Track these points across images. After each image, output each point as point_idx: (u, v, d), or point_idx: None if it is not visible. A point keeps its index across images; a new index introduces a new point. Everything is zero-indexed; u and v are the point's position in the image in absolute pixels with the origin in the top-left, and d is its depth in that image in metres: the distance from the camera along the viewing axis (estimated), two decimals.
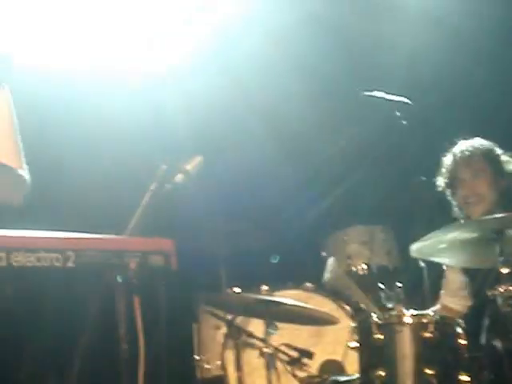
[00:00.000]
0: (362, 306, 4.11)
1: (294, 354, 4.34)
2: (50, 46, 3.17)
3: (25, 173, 3.14)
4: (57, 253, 2.54)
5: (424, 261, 4.02)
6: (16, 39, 2.96)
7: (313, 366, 4.54)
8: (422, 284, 4.11)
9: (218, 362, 4.70)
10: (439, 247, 3.56)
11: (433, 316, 3.47)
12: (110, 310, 2.70)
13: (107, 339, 2.84)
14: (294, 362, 4.32)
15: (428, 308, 4.02)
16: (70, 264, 2.56)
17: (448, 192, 4.21)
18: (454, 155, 4.17)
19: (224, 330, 4.62)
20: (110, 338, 2.77)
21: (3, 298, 2.94)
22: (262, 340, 4.17)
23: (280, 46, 4.61)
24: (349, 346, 3.67)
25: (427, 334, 3.40)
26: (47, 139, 4.01)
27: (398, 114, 3.95)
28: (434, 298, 4.24)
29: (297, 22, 4.54)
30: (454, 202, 4.19)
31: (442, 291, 4.32)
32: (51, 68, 2.83)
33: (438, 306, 4.28)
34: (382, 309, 3.68)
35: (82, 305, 2.72)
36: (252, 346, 4.49)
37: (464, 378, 3.37)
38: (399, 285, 3.63)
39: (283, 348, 4.35)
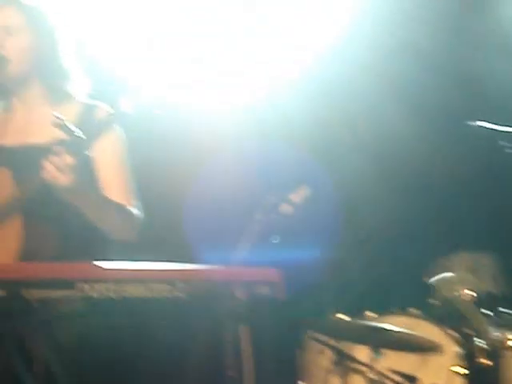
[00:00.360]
0: (469, 331, 4.04)
1: (399, 379, 4.29)
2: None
3: (136, 210, 3.22)
4: (166, 284, 2.56)
5: None
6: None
7: None
8: None
9: None
10: None
11: None
12: (217, 340, 2.72)
13: (215, 368, 2.86)
14: None
15: None
16: (179, 294, 2.58)
17: None
18: None
19: (328, 355, 4.59)
20: (217, 367, 2.78)
21: (113, 328, 3.00)
22: (367, 365, 4.13)
23: (388, 81, 4.56)
24: (454, 371, 3.61)
25: None
26: (155, 170, 4.07)
27: (503, 143, 3.88)
28: None
29: (404, 57, 4.50)
30: None
31: None
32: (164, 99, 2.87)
33: None
34: (488, 334, 3.61)
35: (190, 334, 2.74)
36: (357, 371, 4.45)
37: None
38: (506, 311, 3.56)
39: (388, 373, 4.30)
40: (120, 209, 3.14)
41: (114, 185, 3.16)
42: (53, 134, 3.01)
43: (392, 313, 4.74)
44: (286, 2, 4.48)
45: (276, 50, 4.38)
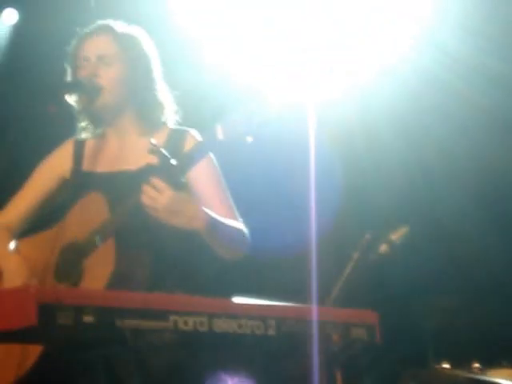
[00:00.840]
0: None
1: None
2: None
3: (242, 225, 3.21)
4: (258, 320, 2.52)
5: None
6: None
7: None
8: None
9: None
10: None
11: None
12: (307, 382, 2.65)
13: None
14: None
15: None
16: (270, 332, 2.53)
17: None
18: None
19: None
20: None
21: (202, 361, 2.98)
22: None
23: (490, 115, 4.45)
24: None
25: None
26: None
27: None
28: None
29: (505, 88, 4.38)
30: None
31: None
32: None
33: None
34: None
35: (279, 373, 2.69)
36: None
37: None
38: None
39: None
40: (235, 228, 3.15)
41: (216, 205, 3.16)
42: (146, 161, 3.09)
43: (500, 365, 4.55)
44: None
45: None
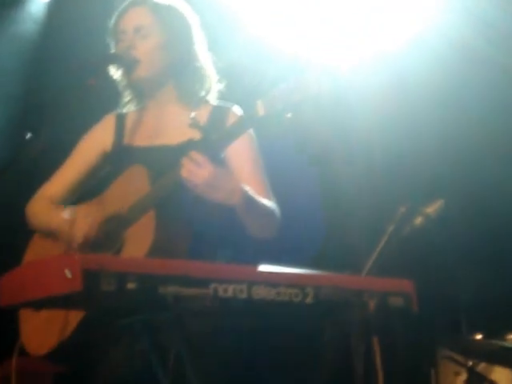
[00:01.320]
0: None
1: None
2: None
3: (275, 205, 3.23)
4: (296, 288, 2.56)
5: None
6: None
7: None
8: None
9: None
10: None
11: None
12: (345, 349, 2.69)
13: (343, 378, 2.83)
14: None
15: None
16: (308, 300, 2.57)
17: None
18: None
19: (464, 376, 4.46)
20: (345, 378, 2.75)
21: (241, 329, 3.04)
22: None
23: None
24: None
25: None
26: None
27: None
28: None
29: None
30: None
31: None
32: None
33: None
34: None
35: (317, 341, 2.72)
36: None
37: None
38: None
39: None
40: (267, 207, 3.16)
41: (252, 183, 3.17)
42: (184, 135, 3.10)
43: None
44: None
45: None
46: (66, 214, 3.11)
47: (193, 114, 2.95)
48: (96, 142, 3.41)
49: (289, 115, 2.84)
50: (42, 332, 3.00)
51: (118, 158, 3.32)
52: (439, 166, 4.20)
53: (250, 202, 3.04)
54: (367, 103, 4.26)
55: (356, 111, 4.39)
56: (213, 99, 3.37)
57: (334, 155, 4.44)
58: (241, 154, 3.23)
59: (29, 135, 2.86)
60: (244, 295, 2.47)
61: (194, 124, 2.92)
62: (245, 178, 3.17)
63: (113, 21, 3.34)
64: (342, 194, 4.40)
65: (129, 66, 3.22)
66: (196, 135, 3.00)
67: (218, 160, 2.96)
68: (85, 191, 3.43)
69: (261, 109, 2.85)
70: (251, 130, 3.25)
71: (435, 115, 4.22)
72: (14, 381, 3.07)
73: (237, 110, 3.27)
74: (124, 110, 3.43)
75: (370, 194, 4.33)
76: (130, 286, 2.32)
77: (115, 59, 3.25)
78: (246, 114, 2.97)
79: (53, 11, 5.17)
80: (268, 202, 3.18)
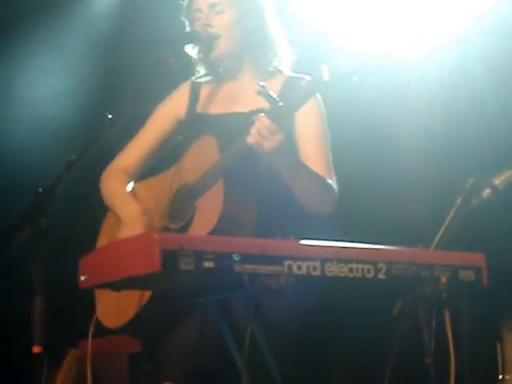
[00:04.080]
0: None
1: None
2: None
3: (334, 183, 3.24)
4: (369, 264, 2.58)
5: None
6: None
7: None
8: None
9: None
10: None
11: None
12: (417, 324, 2.70)
13: (414, 353, 2.84)
14: None
15: None
16: (380, 276, 2.59)
17: None
18: None
19: None
20: (416, 352, 2.77)
21: (315, 306, 3.06)
22: None
23: None
24: None
25: None
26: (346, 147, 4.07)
27: None
28: None
29: None
30: None
31: None
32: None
33: None
34: None
35: (389, 316, 2.73)
36: None
37: None
38: None
39: None
40: (321, 181, 3.15)
41: (315, 156, 3.18)
42: (256, 104, 3.09)
43: None
44: None
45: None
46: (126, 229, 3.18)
47: (262, 83, 2.94)
48: (171, 109, 3.43)
49: (355, 78, 2.83)
50: (118, 305, 3.04)
51: (191, 126, 3.33)
52: (507, 137, 4.15)
53: (294, 167, 3.04)
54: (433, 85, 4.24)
55: (416, 84, 4.36)
56: (287, 70, 3.38)
57: (395, 129, 4.42)
58: (307, 128, 3.23)
59: (110, 116, 2.90)
60: (317, 272, 2.49)
61: (262, 92, 2.91)
62: (307, 151, 3.19)
63: (186, 0, 3.36)
64: (404, 167, 4.37)
65: (209, 43, 3.24)
66: (267, 104, 2.99)
67: (285, 127, 2.94)
68: (159, 161, 3.47)
69: (326, 74, 2.84)
70: (321, 105, 3.26)
71: (500, 89, 4.18)
72: (90, 361, 3.12)
73: (308, 79, 3.26)
74: (199, 80, 3.44)
75: (435, 167, 4.30)
76: (208, 264, 2.36)
77: (194, 37, 3.27)
78: (312, 78, 2.94)
79: None
80: (322, 176, 3.16)
